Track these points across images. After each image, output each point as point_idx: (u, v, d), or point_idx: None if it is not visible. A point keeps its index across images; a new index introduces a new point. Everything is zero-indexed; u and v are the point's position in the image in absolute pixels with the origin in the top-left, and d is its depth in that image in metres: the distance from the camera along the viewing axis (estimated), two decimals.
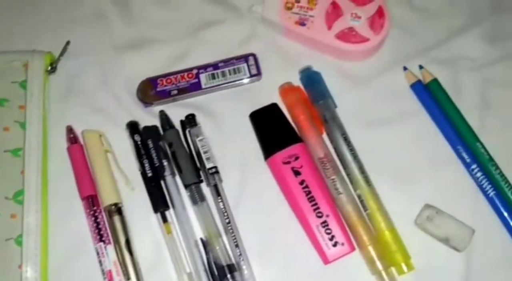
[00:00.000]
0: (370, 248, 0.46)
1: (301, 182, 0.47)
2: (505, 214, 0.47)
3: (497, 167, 0.48)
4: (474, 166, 0.48)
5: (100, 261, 0.46)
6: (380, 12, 0.52)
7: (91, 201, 0.48)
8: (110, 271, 0.46)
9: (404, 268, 0.45)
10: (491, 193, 0.47)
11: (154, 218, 0.49)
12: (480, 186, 0.48)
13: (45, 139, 0.50)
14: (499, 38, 0.54)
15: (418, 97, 0.52)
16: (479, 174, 0.48)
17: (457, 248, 0.46)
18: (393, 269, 0.46)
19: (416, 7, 0.55)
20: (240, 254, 0.47)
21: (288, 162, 0.48)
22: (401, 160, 0.50)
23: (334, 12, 0.53)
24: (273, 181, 0.49)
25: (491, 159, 0.48)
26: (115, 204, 0.48)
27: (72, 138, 0.51)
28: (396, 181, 0.49)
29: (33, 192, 0.47)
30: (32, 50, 0.52)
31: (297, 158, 0.48)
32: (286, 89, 0.51)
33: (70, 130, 0.51)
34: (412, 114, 0.51)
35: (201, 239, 0.47)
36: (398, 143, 0.51)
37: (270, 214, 0.49)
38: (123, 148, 0.51)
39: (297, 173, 0.48)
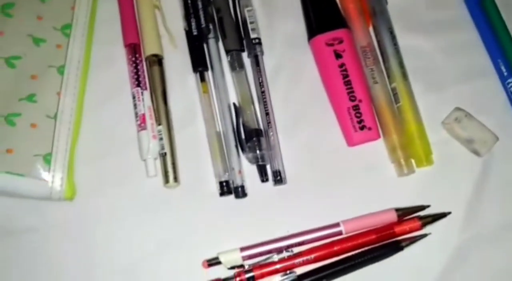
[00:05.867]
0: (395, 137, 0.47)
1: (341, 65, 0.48)
2: None
3: None
4: (510, 80, 0.49)
5: (135, 105, 0.47)
6: None
7: (133, 48, 0.49)
8: (144, 114, 0.47)
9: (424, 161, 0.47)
10: None
11: (192, 79, 0.50)
12: None
13: None
14: None
15: (467, 7, 0.52)
16: None
17: (478, 152, 0.47)
18: (412, 161, 0.47)
19: None
20: (269, 122, 0.48)
21: (332, 44, 0.49)
22: (439, 65, 0.51)
23: None
24: (313, 63, 0.50)
25: None
26: (157, 55, 0.49)
27: None
28: (432, 83, 0.50)
29: (81, 26, 0.49)
30: None
31: (341, 42, 0.49)
32: None
33: None
34: (459, 23, 0.52)
35: (234, 104, 0.49)
36: (441, 48, 0.51)
37: (304, 92, 0.50)
38: (172, 7, 0.51)
39: (338, 56, 0.48)
